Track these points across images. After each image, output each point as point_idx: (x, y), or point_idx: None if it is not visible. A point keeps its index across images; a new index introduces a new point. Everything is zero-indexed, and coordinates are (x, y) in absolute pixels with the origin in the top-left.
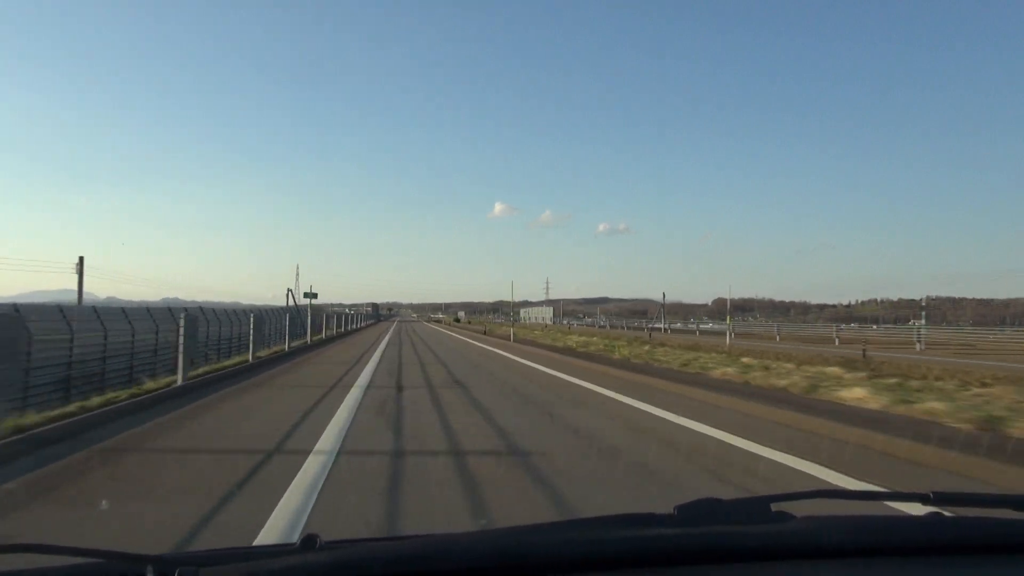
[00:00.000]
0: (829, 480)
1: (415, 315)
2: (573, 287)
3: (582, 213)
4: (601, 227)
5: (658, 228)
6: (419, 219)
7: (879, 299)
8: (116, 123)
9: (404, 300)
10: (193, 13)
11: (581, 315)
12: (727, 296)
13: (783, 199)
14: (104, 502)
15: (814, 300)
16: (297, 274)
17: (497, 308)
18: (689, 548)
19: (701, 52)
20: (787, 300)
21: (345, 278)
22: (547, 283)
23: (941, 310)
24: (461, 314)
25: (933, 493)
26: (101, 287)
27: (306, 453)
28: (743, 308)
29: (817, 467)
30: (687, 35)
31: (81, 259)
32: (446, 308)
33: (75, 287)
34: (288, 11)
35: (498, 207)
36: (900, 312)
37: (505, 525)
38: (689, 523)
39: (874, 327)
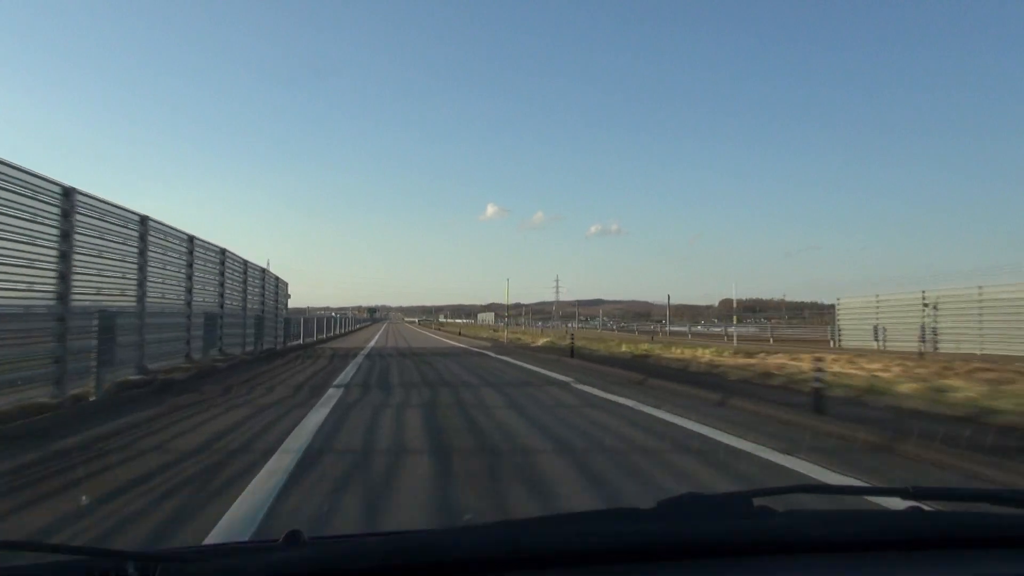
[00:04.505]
0: None
1: (415, 320)
2: (565, 289)
3: (574, 214)
4: (593, 228)
5: (651, 229)
6: (410, 221)
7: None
8: (95, 123)
9: (394, 303)
10: (186, 13)
11: (584, 318)
12: (733, 296)
13: (773, 201)
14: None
15: (804, 299)
16: (268, 269)
17: (490, 310)
18: (672, 543)
19: (691, 55)
20: (792, 300)
21: (334, 282)
22: (557, 282)
23: None
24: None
25: (913, 488)
26: None
27: None
28: (752, 309)
29: None
30: (678, 38)
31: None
32: (436, 311)
33: None
34: (281, 13)
35: (490, 209)
36: None
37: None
38: (671, 518)
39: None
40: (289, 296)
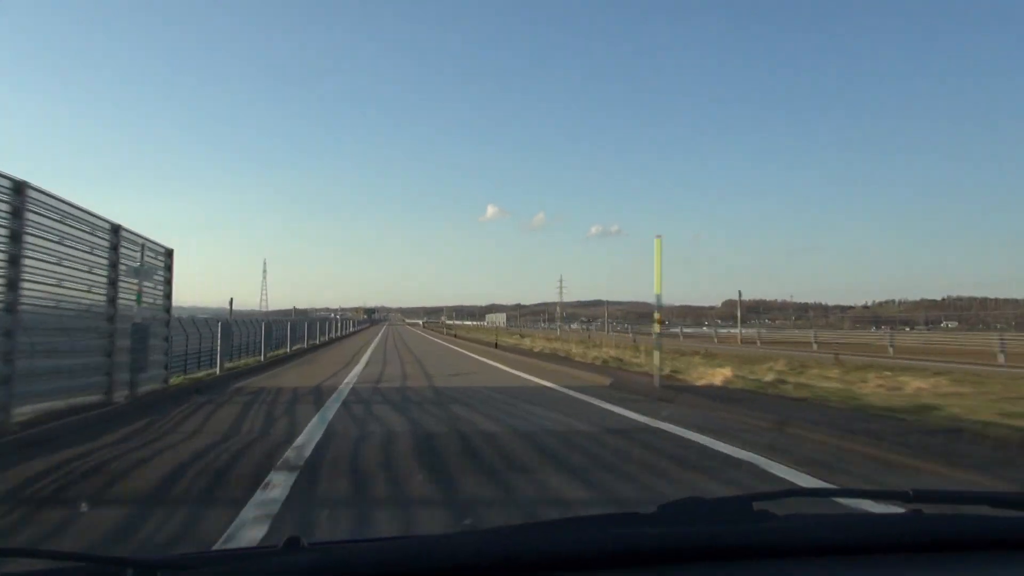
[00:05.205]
0: None
1: (418, 322)
2: (565, 289)
3: (575, 215)
4: (593, 229)
5: (651, 230)
6: (410, 223)
7: (897, 300)
8: (94, 126)
9: (394, 304)
10: (182, 9)
11: (585, 319)
12: (737, 298)
13: (773, 201)
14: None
15: (802, 300)
16: (264, 272)
17: (491, 311)
18: (673, 547)
19: (693, 55)
20: (797, 301)
21: (334, 283)
22: (561, 283)
23: (971, 311)
24: None
25: (913, 491)
26: None
27: None
28: (755, 310)
29: None
30: (679, 38)
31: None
32: (437, 312)
33: None
34: (279, 9)
35: (490, 210)
36: (928, 314)
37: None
38: (672, 522)
39: (907, 329)
40: (161, 276)
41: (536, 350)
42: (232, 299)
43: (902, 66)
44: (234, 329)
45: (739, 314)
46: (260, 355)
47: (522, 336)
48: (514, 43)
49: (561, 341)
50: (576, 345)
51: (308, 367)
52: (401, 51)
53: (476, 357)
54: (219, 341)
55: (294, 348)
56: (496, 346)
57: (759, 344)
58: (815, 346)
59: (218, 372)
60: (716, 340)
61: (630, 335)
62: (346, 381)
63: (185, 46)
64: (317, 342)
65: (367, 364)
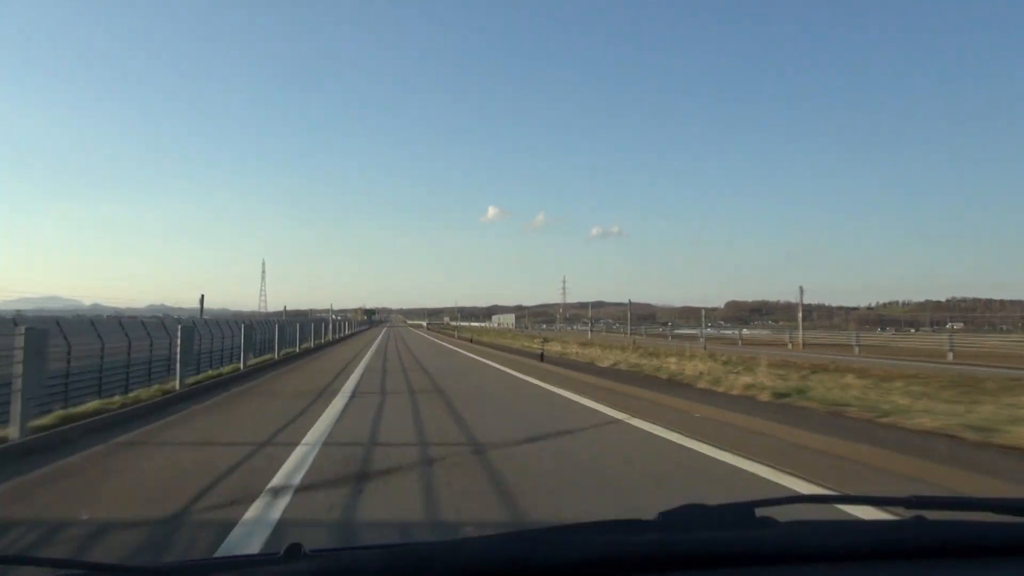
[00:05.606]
0: None
1: (421, 324)
2: (566, 290)
3: (576, 216)
4: (594, 231)
5: (652, 230)
6: (411, 223)
7: (901, 301)
8: (97, 129)
9: (395, 305)
10: (179, 11)
11: (587, 320)
12: (740, 299)
13: (771, 202)
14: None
15: (805, 302)
16: (263, 273)
17: (493, 312)
18: (674, 554)
19: (693, 51)
20: (798, 303)
21: (335, 284)
22: (564, 283)
23: (976, 312)
24: None
25: (915, 497)
26: (86, 293)
27: None
28: (759, 311)
29: None
30: (680, 35)
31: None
32: (439, 313)
33: (62, 295)
34: (278, 10)
35: (491, 211)
36: (934, 315)
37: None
38: (674, 529)
39: (912, 331)
40: None
41: (605, 365)
42: (203, 295)
43: (905, 65)
44: (53, 343)
45: (800, 314)
46: (177, 381)
47: (546, 340)
48: (514, 43)
49: (601, 347)
50: (633, 354)
51: (239, 408)
52: (402, 51)
53: (528, 380)
54: (22, 368)
55: (252, 363)
56: (542, 358)
57: (857, 351)
58: (951, 355)
59: (16, 435)
60: (791, 346)
61: (668, 337)
62: (268, 496)
63: (186, 45)
64: (297, 350)
65: (350, 398)
